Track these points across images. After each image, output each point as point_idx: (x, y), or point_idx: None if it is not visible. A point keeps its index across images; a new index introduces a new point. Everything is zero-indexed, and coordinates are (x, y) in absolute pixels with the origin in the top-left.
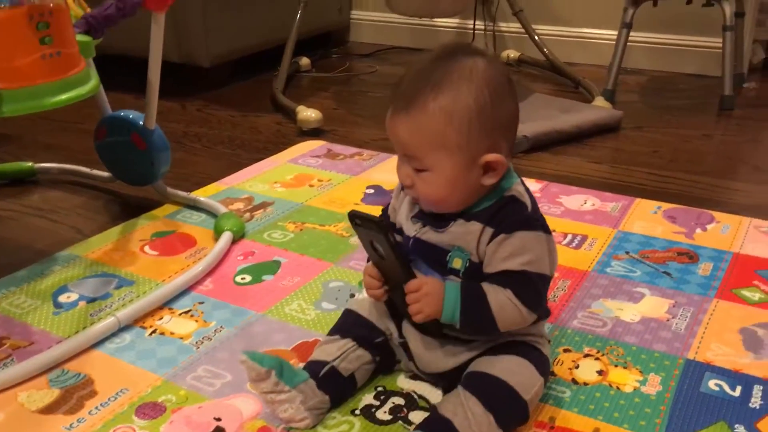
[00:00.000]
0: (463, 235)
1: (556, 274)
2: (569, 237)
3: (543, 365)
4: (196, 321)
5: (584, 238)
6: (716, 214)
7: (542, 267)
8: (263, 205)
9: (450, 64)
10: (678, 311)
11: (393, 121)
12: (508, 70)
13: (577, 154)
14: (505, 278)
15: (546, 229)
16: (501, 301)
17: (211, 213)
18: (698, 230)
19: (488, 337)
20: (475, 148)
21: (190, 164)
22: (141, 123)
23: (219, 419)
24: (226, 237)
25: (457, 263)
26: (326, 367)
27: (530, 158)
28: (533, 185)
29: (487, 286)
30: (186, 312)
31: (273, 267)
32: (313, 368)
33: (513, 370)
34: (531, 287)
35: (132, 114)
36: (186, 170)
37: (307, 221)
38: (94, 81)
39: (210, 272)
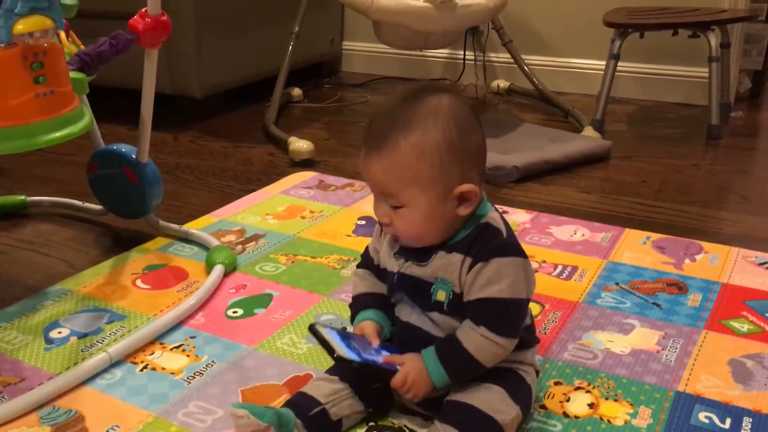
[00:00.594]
0: (446, 266)
1: (546, 306)
2: (559, 268)
3: (521, 394)
4: (188, 356)
5: (574, 269)
6: (705, 245)
7: (518, 291)
8: (255, 238)
9: (417, 104)
10: (668, 343)
11: (366, 161)
12: (471, 105)
13: (566, 184)
14: (481, 308)
15: (521, 254)
16: (477, 343)
17: (203, 246)
18: (687, 260)
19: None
20: (448, 180)
21: (183, 196)
22: (133, 156)
23: None
24: (218, 270)
25: (441, 295)
26: (317, 409)
27: (520, 188)
28: (523, 216)
29: (461, 333)
30: (177, 347)
31: (265, 300)
32: (302, 404)
33: (489, 398)
34: (506, 315)
35: (124, 148)
36: (178, 202)
37: (299, 253)
38: (87, 118)
39: (202, 306)
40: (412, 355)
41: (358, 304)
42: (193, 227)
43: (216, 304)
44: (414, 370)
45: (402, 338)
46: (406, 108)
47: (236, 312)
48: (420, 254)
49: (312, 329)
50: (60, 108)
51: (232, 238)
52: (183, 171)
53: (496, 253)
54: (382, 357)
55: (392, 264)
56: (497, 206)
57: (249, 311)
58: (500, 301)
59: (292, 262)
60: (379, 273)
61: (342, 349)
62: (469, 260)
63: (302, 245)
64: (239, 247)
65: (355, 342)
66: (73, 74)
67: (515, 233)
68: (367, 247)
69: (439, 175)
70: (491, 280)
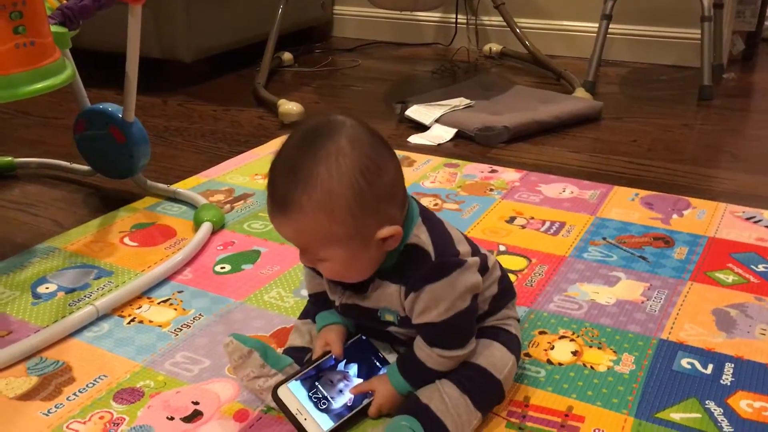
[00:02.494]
0: (385, 296)
1: (533, 260)
2: (547, 224)
3: (513, 343)
4: (175, 309)
5: (562, 224)
6: (693, 200)
7: (458, 306)
8: (244, 197)
9: (314, 153)
10: (653, 294)
11: (274, 220)
12: (374, 131)
13: (556, 144)
14: (427, 331)
15: (454, 266)
16: (437, 360)
17: (191, 204)
18: (675, 216)
19: None
20: (366, 231)
21: (171, 158)
22: (120, 116)
23: (197, 403)
24: (206, 227)
25: (389, 318)
26: (309, 355)
27: (510, 148)
28: (512, 174)
29: (419, 352)
30: (165, 301)
31: (253, 256)
32: (294, 355)
33: (484, 353)
34: (453, 332)
35: (111, 107)
36: (167, 164)
37: None
38: (69, 70)
39: (189, 262)
40: (378, 380)
41: (317, 304)
42: (181, 187)
43: (204, 260)
44: (385, 398)
45: (365, 330)
46: (304, 160)
47: (224, 268)
48: (356, 285)
49: (276, 399)
50: (41, 59)
51: (220, 197)
52: (172, 134)
53: (426, 281)
54: (351, 389)
55: (333, 293)
56: (489, 165)
57: (237, 267)
58: (441, 324)
59: None
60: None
61: (314, 426)
62: (402, 289)
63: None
64: (228, 206)
65: (320, 384)
66: (54, 28)
67: (505, 191)
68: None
69: (354, 230)
70: (428, 307)
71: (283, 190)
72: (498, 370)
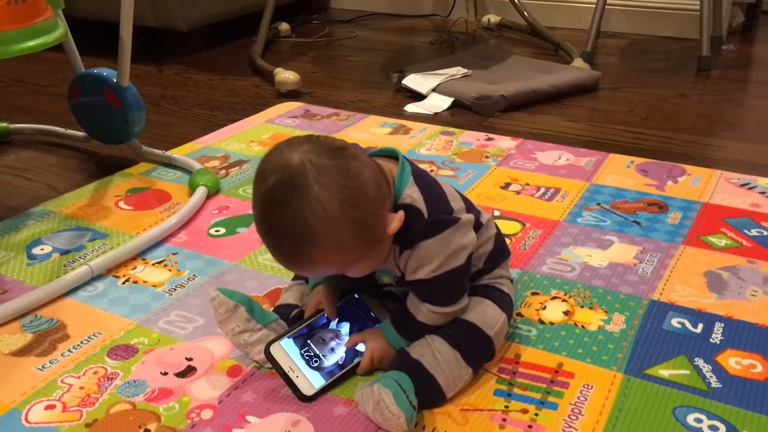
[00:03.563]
0: None
1: (527, 224)
2: (542, 190)
3: (505, 302)
4: (170, 270)
5: (557, 190)
6: (688, 167)
7: (452, 262)
8: (239, 163)
9: (298, 213)
10: (645, 257)
11: (290, 268)
12: (331, 148)
13: (553, 113)
14: (419, 288)
15: (447, 224)
16: (428, 315)
17: (186, 170)
18: (669, 182)
19: None
20: (377, 237)
21: (167, 125)
22: (114, 80)
23: (190, 359)
24: (201, 192)
25: (386, 280)
26: (296, 311)
27: (507, 117)
28: (508, 142)
29: (411, 306)
30: (159, 262)
31: (247, 220)
32: (282, 311)
33: (475, 310)
34: (444, 289)
35: (105, 71)
36: (162, 131)
37: None
38: (61, 29)
39: (184, 225)
40: (371, 332)
41: None
42: (176, 153)
43: (198, 223)
44: (377, 350)
45: (360, 289)
46: (294, 224)
47: (218, 231)
48: None
49: (268, 356)
50: (32, 17)
51: (215, 163)
52: (168, 102)
53: (420, 238)
54: (346, 342)
55: None
56: (485, 133)
57: (231, 230)
58: (434, 280)
59: None
60: None
61: (305, 383)
62: (397, 248)
63: None
64: (223, 171)
65: (312, 342)
66: None
67: (501, 158)
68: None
69: (368, 244)
70: (421, 264)
71: (289, 252)
72: (489, 327)
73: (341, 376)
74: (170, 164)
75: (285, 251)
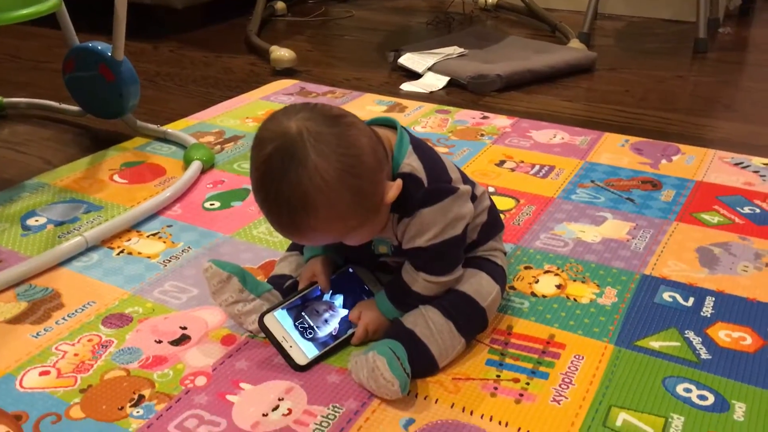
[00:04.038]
0: None
1: (521, 201)
2: (537, 167)
3: (498, 274)
4: (164, 242)
5: (551, 168)
6: (682, 147)
7: (448, 232)
8: (234, 139)
9: (297, 182)
10: (638, 233)
11: (290, 237)
12: (328, 115)
13: (549, 93)
14: (416, 255)
15: (447, 192)
16: (422, 285)
17: (181, 145)
18: (663, 161)
19: None
20: (375, 204)
21: (162, 101)
22: (109, 54)
23: (185, 328)
24: (195, 166)
25: (382, 249)
26: (290, 281)
27: (503, 96)
28: (504, 121)
29: (406, 276)
30: (154, 234)
31: (242, 194)
32: (275, 281)
33: (470, 281)
34: (440, 258)
35: (100, 45)
36: (157, 107)
37: None
38: None
39: (179, 199)
40: (365, 303)
41: None
42: (171, 129)
43: (193, 197)
44: (371, 322)
45: (354, 261)
46: (291, 191)
47: (213, 204)
48: None
49: (262, 326)
50: None
51: (210, 138)
52: (163, 78)
53: (419, 206)
54: (349, 317)
55: None
56: (480, 112)
57: (226, 204)
58: (431, 249)
59: None
60: None
61: (298, 353)
62: (396, 216)
63: None
64: (218, 147)
65: (306, 314)
66: None
67: (496, 136)
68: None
69: (367, 211)
70: (419, 232)
71: (287, 221)
72: (482, 297)
73: (335, 347)
74: (165, 139)
75: (283, 219)
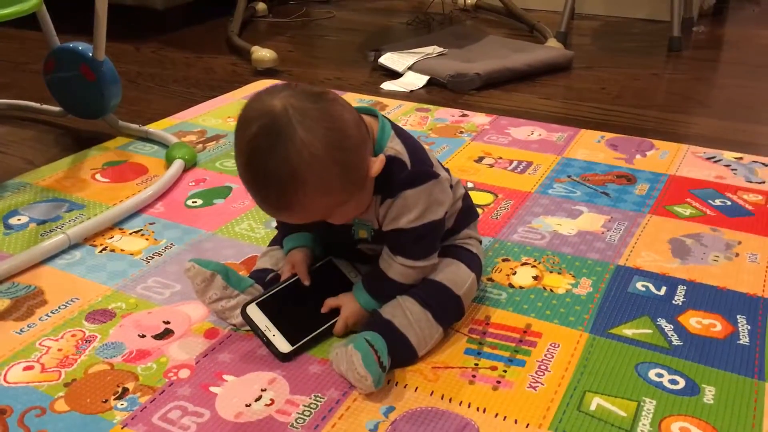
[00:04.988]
0: None
1: (499, 195)
2: (515, 163)
3: (473, 262)
4: (147, 239)
5: (529, 164)
6: (656, 142)
7: (429, 216)
8: (216, 138)
9: (284, 157)
10: (613, 225)
11: (278, 217)
12: (311, 92)
13: (527, 91)
14: (395, 238)
15: (430, 176)
16: (399, 271)
17: (163, 144)
18: (638, 156)
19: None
20: (360, 179)
21: (144, 102)
22: (90, 54)
23: (168, 322)
24: (178, 164)
25: (362, 233)
26: (271, 274)
27: (482, 95)
28: (483, 118)
29: (383, 263)
30: (137, 232)
31: (224, 192)
32: (258, 276)
33: (444, 270)
34: (419, 241)
35: (81, 45)
36: (139, 107)
37: None
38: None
39: (161, 197)
40: (345, 296)
41: (286, 227)
42: (153, 129)
43: (175, 195)
44: (350, 312)
45: (333, 251)
46: (279, 167)
47: (196, 202)
48: None
49: (245, 316)
50: None
51: (192, 138)
52: (144, 78)
53: (402, 187)
54: (322, 308)
55: None
56: (460, 110)
57: (208, 201)
58: (411, 231)
59: None
60: None
61: (282, 342)
62: (379, 198)
63: None
64: (200, 146)
65: (289, 304)
66: None
67: (475, 133)
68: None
69: (353, 185)
70: (401, 213)
71: (275, 197)
72: (458, 286)
73: (317, 336)
74: (147, 138)
75: (271, 197)
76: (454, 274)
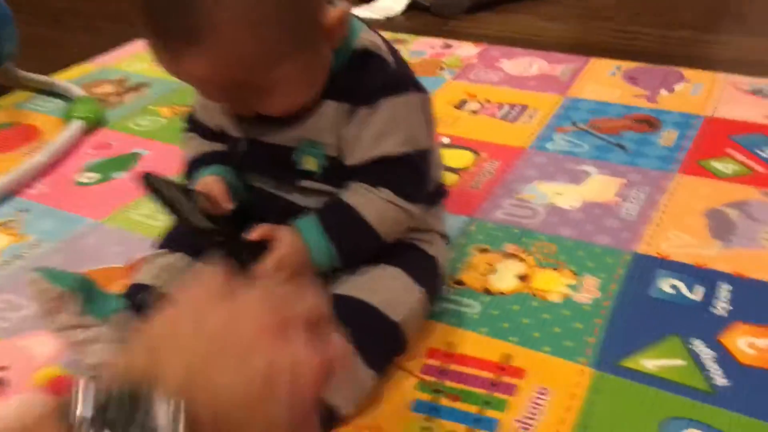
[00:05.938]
0: (313, 122)
1: (481, 154)
2: (506, 108)
3: (426, 271)
4: (11, 235)
5: (524, 108)
6: (687, 72)
7: (420, 140)
8: (137, 87)
9: None
10: (630, 192)
11: (176, 62)
12: None
13: (528, 12)
14: (378, 170)
15: (418, 87)
16: (378, 208)
17: (68, 98)
18: (663, 92)
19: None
20: (309, 32)
21: (64, 44)
22: None
23: (4, 368)
24: (74, 127)
25: (309, 163)
26: (148, 294)
27: (472, 19)
28: (470, 49)
29: (352, 197)
30: (1, 224)
31: (129, 161)
32: (133, 293)
33: (376, 288)
34: (413, 175)
35: None
36: (56, 52)
37: (186, 103)
38: None
39: (46, 171)
40: (284, 228)
41: (197, 164)
42: (64, 77)
43: (66, 168)
44: (289, 249)
45: (260, 210)
46: None
47: (91, 178)
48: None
49: (148, 181)
50: None
51: (108, 88)
52: (69, 15)
53: (384, 92)
54: (251, 235)
55: (234, 126)
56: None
57: (106, 176)
58: (403, 157)
59: (176, 114)
60: (215, 137)
61: (196, 218)
62: (345, 107)
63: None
64: (116, 98)
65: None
66: None
67: (458, 70)
68: (193, 107)
69: (295, 38)
70: (384, 132)
71: (181, 21)
72: (394, 309)
73: (244, 244)
74: (52, 92)
75: (171, 13)
76: (390, 292)
